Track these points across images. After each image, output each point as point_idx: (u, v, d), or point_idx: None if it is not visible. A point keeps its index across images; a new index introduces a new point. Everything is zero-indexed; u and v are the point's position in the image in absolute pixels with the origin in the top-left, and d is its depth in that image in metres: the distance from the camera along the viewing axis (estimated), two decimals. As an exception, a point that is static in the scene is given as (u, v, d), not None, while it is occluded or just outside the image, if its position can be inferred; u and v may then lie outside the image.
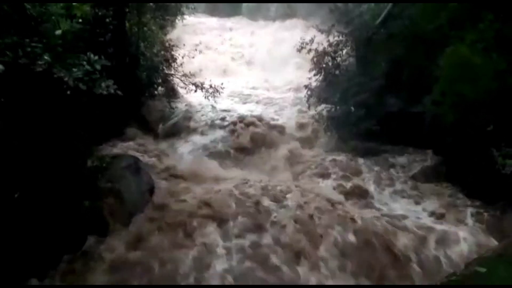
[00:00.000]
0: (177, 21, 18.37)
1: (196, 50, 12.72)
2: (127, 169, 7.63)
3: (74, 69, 5.72)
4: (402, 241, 6.42)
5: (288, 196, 7.29)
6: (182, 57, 12.09)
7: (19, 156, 5.25)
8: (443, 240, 6.58)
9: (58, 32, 6.36)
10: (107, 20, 9.93)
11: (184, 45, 13.52)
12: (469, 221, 7.22)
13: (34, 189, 5.53)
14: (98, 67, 6.11)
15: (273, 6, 24.50)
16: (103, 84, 5.84)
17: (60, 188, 5.81)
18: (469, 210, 7.48)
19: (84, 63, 5.80)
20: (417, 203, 7.99)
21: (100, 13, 9.80)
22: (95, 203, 6.26)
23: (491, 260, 2.54)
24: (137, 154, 8.90)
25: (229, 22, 24.28)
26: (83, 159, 6.31)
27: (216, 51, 18.66)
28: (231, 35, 21.14)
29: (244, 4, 26.44)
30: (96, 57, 6.00)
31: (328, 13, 12.43)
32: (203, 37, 20.51)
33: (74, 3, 9.16)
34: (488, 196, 7.65)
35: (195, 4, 27.41)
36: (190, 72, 11.82)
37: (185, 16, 17.36)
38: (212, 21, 23.97)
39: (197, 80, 11.89)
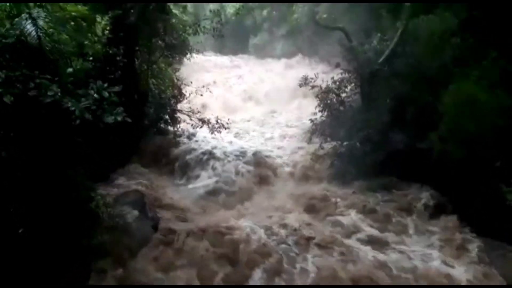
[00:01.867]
0: (185, 59, 18.98)
1: (203, 87, 12.95)
2: (132, 205, 7.63)
3: (83, 99, 5.88)
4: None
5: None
6: (190, 94, 12.30)
7: (22, 189, 5.27)
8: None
9: (70, 70, 6.58)
10: (118, 58, 10.22)
11: (191, 82, 13.77)
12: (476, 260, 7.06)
13: (38, 225, 5.51)
14: (105, 94, 6.23)
15: (279, 44, 25.14)
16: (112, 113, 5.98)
17: (63, 225, 5.78)
18: (476, 249, 7.29)
19: (92, 92, 5.94)
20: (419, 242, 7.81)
21: (111, 52, 10.11)
22: (99, 240, 6.21)
23: None
24: (143, 189, 8.88)
25: (236, 60, 24.88)
26: (86, 197, 6.27)
27: (223, 88, 18.98)
28: (237, 72, 21.59)
29: (251, 43, 27.19)
30: (106, 85, 6.16)
31: (332, 50, 12.70)
32: (210, 74, 21.03)
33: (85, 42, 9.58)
34: (498, 232, 7.47)
35: (203, 42, 28.51)
36: (197, 108, 12.00)
37: (194, 55, 17.91)
38: (220, 59, 24.59)
39: (204, 116, 12.08)
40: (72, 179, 5.83)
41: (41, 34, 5.58)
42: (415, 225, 8.50)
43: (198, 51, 16.43)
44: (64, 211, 5.83)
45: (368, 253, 7.25)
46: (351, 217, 8.68)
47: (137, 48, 11.14)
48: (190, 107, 12.30)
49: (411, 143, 9.94)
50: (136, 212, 7.30)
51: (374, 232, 8.14)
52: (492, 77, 7.19)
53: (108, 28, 10.15)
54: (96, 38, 9.99)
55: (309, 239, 7.49)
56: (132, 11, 10.22)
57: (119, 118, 5.55)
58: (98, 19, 10.29)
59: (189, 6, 19.70)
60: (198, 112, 11.78)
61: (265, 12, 25.53)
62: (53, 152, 5.79)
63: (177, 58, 17.36)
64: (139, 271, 6.17)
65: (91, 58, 9.35)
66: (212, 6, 27.84)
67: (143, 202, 7.94)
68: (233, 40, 28.23)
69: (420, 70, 10.10)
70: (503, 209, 7.10)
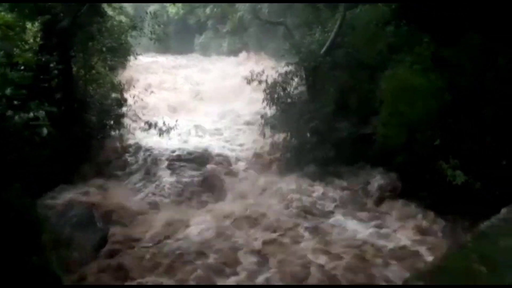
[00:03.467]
0: (128, 62, 18.42)
1: (146, 90, 12.60)
2: (78, 217, 7.31)
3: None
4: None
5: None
6: (133, 97, 11.94)
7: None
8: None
9: (-6, 80, 6.16)
10: (51, 65, 9.71)
11: (134, 86, 13.34)
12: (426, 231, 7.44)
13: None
14: (42, 114, 5.95)
15: (225, 42, 25.05)
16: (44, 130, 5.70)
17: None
18: (424, 222, 7.66)
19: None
20: (368, 220, 8.09)
21: (44, 59, 9.59)
22: (41, 257, 5.88)
23: (431, 273, 2.53)
24: (91, 199, 8.52)
25: (182, 59, 24.52)
26: (22, 212, 5.89)
27: (169, 89, 18.61)
28: (184, 72, 21.27)
29: (196, 41, 26.91)
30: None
31: (278, 45, 12.82)
32: (156, 76, 20.55)
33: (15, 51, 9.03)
34: (443, 207, 7.88)
35: (148, 43, 27.87)
36: (141, 111, 11.68)
37: (138, 57, 17.41)
38: (165, 60, 24.10)
39: (152, 119, 11.77)
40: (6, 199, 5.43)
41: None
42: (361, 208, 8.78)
43: (139, 54, 15.95)
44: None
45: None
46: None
47: (72, 53, 10.66)
48: (134, 111, 11.95)
49: (356, 130, 10.28)
50: (81, 224, 6.99)
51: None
52: (425, 61, 7.53)
53: (39, 34, 9.63)
54: (27, 46, 9.47)
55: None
56: (62, 15, 9.71)
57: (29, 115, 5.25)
58: (28, 25, 9.75)
59: (128, 6, 19.10)
60: (143, 115, 11.46)
61: (208, 10, 25.31)
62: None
63: (119, 61, 16.86)
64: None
65: (22, 68, 8.89)
66: (152, 7, 27.48)
67: (90, 213, 7.62)
68: (178, 40, 27.85)
69: (359, 59, 10.43)
70: (445, 184, 7.51)
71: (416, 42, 8.29)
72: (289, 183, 9.63)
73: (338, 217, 8.31)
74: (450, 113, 7.43)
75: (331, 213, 8.54)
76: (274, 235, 7.39)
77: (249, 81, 11.64)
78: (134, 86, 14.29)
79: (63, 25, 9.95)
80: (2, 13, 8.26)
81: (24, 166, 6.64)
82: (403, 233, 7.50)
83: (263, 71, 11.57)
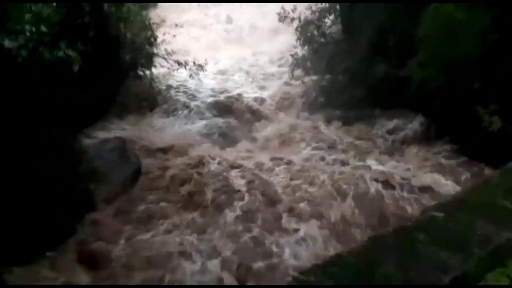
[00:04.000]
0: (159, -1, 18.06)
1: (177, 26, 12.42)
2: (113, 152, 7.61)
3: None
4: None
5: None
6: (164, 34, 11.83)
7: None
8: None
9: (28, 16, 6.17)
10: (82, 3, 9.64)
11: (164, 25, 13.12)
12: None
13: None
14: (44, 28, 5.78)
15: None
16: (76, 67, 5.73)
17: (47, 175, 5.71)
18: (453, 165, 7.51)
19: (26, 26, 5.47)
20: (399, 161, 7.98)
21: (75, -5, 9.51)
22: (82, 185, 6.23)
23: (450, 206, 2.49)
24: (125, 135, 8.80)
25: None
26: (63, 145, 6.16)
27: (201, 28, 18.27)
28: (216, 10, 20.65)
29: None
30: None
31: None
32: (187, 14, 20.11)
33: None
34: (476, 152, 7.63)
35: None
36: (172, 50, 11.60)
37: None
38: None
39: (183, 58, 11.70)
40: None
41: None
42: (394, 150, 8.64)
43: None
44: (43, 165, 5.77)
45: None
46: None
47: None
48: (165, 49, 11.88)
49: (393, 72, 9.85)
50: (115, 158, 7.28)
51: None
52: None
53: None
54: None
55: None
56: None
57: (71, 53, 5.22)
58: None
59: None
60: (174, 53, 11.39)
61: None
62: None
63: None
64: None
65: (54, 4, 8.87)
66: None
67: (124, 147, 7.89)
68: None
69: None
70: (480, 130, 7.21)
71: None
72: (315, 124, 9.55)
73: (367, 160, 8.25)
74: (493, 54, 6.92)
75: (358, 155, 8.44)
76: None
77: (281, 18, 11.19)
78: (164, 24, 14.13)
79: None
80: None
81: (60, 103, 6.85)
82: (430, 173, 7.38)
83: (295, 8, 11.06)
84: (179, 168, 7.39)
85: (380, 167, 7.73)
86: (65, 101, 7.14)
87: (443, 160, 7.90)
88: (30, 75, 5.54)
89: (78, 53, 6.70)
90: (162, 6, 18.80)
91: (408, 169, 7.70)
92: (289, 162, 7.87)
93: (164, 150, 8.25)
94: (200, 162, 7.64)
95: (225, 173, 7.35)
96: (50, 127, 5.80)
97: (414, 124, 8.85)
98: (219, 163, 7.66)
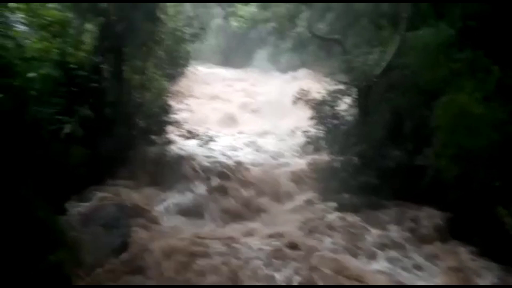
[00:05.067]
0: (187, 71, 18.82)
1: (191, 96, 12.69)
2: (104, 219, 7.28)
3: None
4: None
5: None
6: (183, 106, 12.04)
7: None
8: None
9: (32, 74, 6.26)
10: (102, 66, 9.96)
11: (188, 95, 13.39)
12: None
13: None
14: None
15: (284, 58, 24.80)
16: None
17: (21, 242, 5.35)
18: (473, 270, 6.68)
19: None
20: (417, 267, 7.17)
21: (96, 60, 9.85)
22: (58, 257, 5.80)
23: None
24: (122, 201, 8.48)
25: (240, 73, 24.68)
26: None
27: (221, 101, 18.71)
28: (239, 85, 21.33)
29: (256, 56, 26.96)
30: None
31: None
32: (211, 87, 20.80)
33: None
34: (498, 256, 6.84)
35: (208, 55, 28.43)
36: (184, 119, 11.69)
37: (197, 67, 17.75)
38: (223, 72, 24.39)
39: (198, 128, 11.71)
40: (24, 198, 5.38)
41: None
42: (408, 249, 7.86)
43: (196, 65, 16.25)
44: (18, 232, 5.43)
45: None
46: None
47: (125, 57, 10.88)
48: (182, 119, 11.98)
49: (408, 159, 9.43)
50: (102, 228, 6.92)
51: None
52: (487, 89, 6.64)
53: (93, 36, 9.94)
54: (83, 46, 9.80)
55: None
56: (115, 18, 9.96)
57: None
58: (88, 26, 10.10)
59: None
60: (192, 124, 11.47)
61: (269, 26, 25.25)
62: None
63: (177, 70, 17.25)
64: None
65: (73, 66, 9.17)
66: (216, 20, 28.05)
67: (117, 216, 7.55)
68: (238, 54, 28.12)
69: (416, 82, 9.62)
70: (502, 232, 6.52)
71: (481, 68, 7.39)
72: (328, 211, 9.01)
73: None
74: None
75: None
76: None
77: (295, 101, 11.20)
78: (188, 95, 14.48)
79: (117, 29, 10.21)
80: (57, 11, 8.58)
81: (55, 163, 6.69)
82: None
83: (309, 90, 11.09)
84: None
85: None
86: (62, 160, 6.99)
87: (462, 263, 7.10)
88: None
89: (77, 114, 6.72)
90: (188, 76, 19.57)
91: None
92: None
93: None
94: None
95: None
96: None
97: (429, 219, 8.17)
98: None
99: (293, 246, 7.38)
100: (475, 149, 6.63)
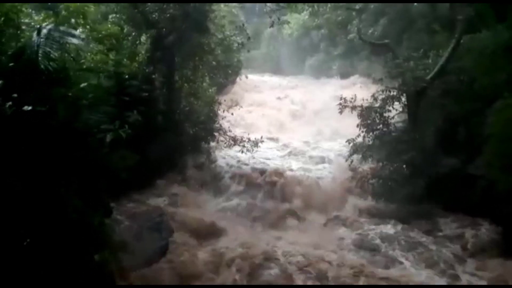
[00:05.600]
0: (238, 79, 19.21)
1: (236, 105, 13.06)
2: (147, 223, 7.59)
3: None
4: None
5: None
6: (224, 112, 12.32)
7: (25, 203, 5.30)
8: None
9: (83, 85, 6.71)
10: (153, 76, 10.45)
11: (224, 100, 13.58)
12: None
13: (43, 240, 5.48)
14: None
15: (335, 65, 24.50)
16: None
17: (69, 241, 5.72)
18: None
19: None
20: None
21: (147, 70, 10.37)
22: (103, 257, 6.13)
23: None
24: (167, 207, 8.81)
25: (291, 80, 24.69)
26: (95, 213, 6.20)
27: (271, 108, 18.81)
28: (289, 93, 21.28)
29: (307, 63, 26.84)
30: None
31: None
32: (261, 94, 20.99)
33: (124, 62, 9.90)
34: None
35: (261, 64, 28.75)
36: (229, 127, 11.98)
37: (249, 75, 18.09)
38: (274, 79, 24.56)
39: (250, 136, 11.93)
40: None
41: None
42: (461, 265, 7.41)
43: (245, 74, 16.60)
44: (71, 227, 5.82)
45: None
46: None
47: (176, 67, 11.33)
48: (229, 127, 12.24)
49: (460, 168, 8.93)
50: (148, 231, 7.20)
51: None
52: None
53: (146, 48, 10.47)
54: (138, 58, 10.36)
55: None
56: (165, 30, 10.42)
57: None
58: (143, 38, 10.68)
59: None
60: (230, 130, 11.68)
61: (321, 32, 25.09)
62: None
63: (228, 78, 17.64)
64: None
65: (126, 77, 9.73)
66: (269, 29, 28.28)
67: (160, 220, 7.84)
68: (290, 61, 28.17)
69: (472, 87, 9.11)
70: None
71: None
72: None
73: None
74: None
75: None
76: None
77: (341, 109, 10.99)
78: (238, 103, 14.74)
79: (169, 40, 10.68)
80: (111, 25, 9.19)
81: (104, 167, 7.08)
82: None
83: (355, 96, 10.85)
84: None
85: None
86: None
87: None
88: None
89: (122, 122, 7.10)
90: (239, 84, 19.93)
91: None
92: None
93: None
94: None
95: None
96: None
97: (482, 233, 7.65)
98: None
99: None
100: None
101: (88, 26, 8.79)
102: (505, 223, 7.36)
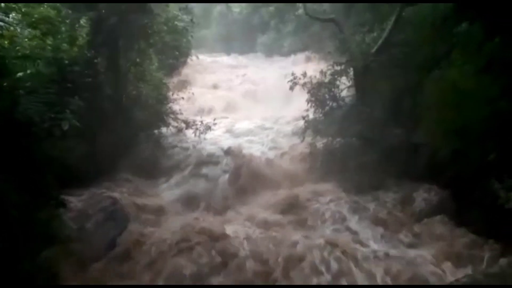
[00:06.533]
0: (189, 60, 18.76)
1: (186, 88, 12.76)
2: (101, 213, 7.37)
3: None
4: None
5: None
6: (175, 94, 12.04)
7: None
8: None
9: (20, 74, 6.33)
10: (96, 61, 9.98)
11: (191, 83, 13.36)
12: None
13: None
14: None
15: (286, 42, 24.59)
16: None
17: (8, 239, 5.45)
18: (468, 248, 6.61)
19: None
20: (411, 246, 7.12)
21: (89, 55, 9.89)
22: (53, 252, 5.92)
23: None
24: (120, 196, 8.59)
25: (243, 59, 24.56)
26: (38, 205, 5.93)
27: (225, 89, 18.67)
28: (241, 72, 21.19)
29: (259, 41, 26.77)
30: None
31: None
32: (214, 75, 20.74)
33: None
34: (495, 232, 6.73)
35: (211, 43, 28.26)
36: (180, 109, 11.73)
37: (199, 56, 17.65)
38: (226, 60, 24.29)
39: (204, 118, 11.74)
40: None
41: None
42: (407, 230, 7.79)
43: (195, 54, 16.20)
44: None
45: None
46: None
47: (119, 51, 10.88)
48: (180, 110, 11.98)
49: (407, 138, 9.31)
50: (101, 221, 7.03)
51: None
52: (478, 62, 6.46)
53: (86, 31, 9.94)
54: (76, 42, 9.81)
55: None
56: (104, 11, 9.94)
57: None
58: (82, 21, 10.11)
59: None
60: (180, 113, 11.47)
61: (271, 9, 25.00)
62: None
63: (179, 60, 17.19)
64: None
65: (67, 62, 9.22)
66: (218, 7, 27.74)
67: (113, 210, 7.65)
68: (241, 40, 28.00)
69: (412, 59, 9.42)
70: (496, 207, 6.40)
71: (474, 42, 7.16)
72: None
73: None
74: (508, 123, 6.29)
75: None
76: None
77: (292, 86, 11.06)
78: (189, 85, 14.46)
79: (110, 22, 10.19)
80: (45, 8, 8.61)
81: (52, 158, 6.76)
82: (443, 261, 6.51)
83: (305, 73, 10.95)
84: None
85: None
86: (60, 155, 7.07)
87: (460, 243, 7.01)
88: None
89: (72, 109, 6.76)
90: (190, 66, 19.50)
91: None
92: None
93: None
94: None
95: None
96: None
97: (423, 196, 8.07)
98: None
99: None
100: (466, 124, 6.47)
101: (21, 10, 8.22)
102: (451, 186, 7.75)
